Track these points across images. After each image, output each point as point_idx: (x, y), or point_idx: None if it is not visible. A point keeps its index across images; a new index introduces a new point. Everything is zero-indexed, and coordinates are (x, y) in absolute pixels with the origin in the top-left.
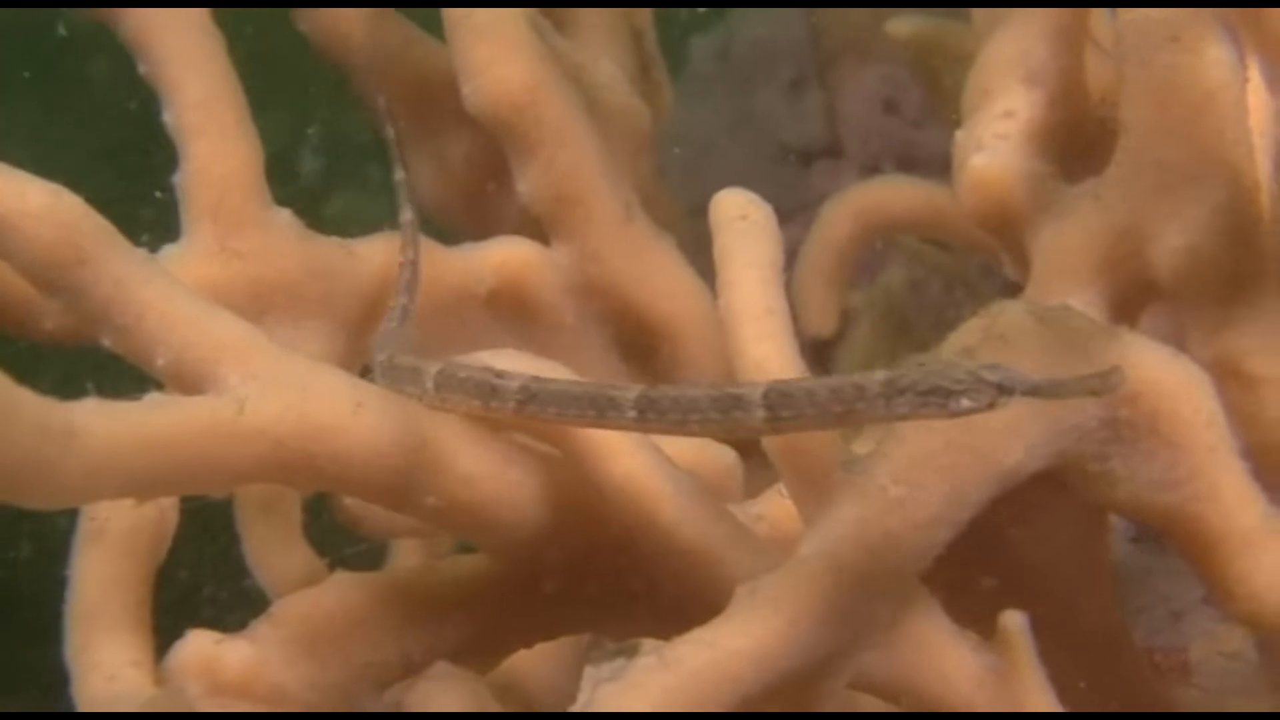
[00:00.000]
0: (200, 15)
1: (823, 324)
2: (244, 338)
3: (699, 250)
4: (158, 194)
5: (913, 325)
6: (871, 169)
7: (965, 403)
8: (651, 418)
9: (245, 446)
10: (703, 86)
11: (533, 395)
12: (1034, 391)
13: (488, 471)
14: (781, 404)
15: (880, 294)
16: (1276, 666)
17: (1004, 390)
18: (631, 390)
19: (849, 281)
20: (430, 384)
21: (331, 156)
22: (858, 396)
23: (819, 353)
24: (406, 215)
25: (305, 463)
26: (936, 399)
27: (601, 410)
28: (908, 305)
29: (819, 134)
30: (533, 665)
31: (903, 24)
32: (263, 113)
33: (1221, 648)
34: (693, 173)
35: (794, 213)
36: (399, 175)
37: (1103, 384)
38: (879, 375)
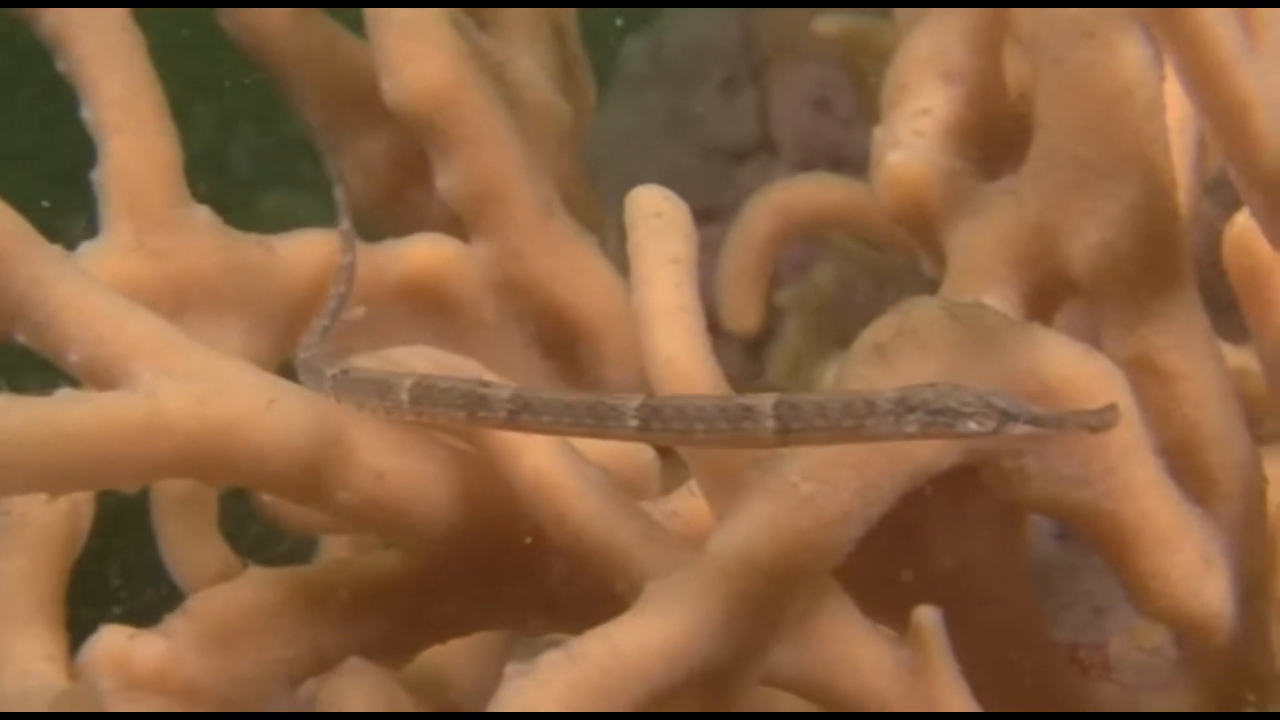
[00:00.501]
0: (119, 14)
1: (745, 321)
2: (158, 334)
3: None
4: (44, 203)
5: (843, 323)
6: (804, 168)
7: (972, 425)
8: (655, 427)
9: (156, 441)
10: (636, 86)
11: (526, 405)
12: (1035, 422)
13: (400, 467)
14: (792, 416)
15: (810, 292)
16: (1193, 662)
17: (1009, 417)
18: (634, 399)
19: (781, 279)
20: (405, 396)
21: (264, 154)
22: (868, 412)
23: (750, 350)
24: (344, 224)
25: (217, 458)
26: (945, 419)
27: (601, 419)
28: (838, 303)
29: (751, 133)
30: (452, 660)
31: (830, 22)
32: (195, 110)
33: (1141, 643)
34: (625, 172)
35: (726, 211)
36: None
37: (1099, 420)
38: (890, 393)
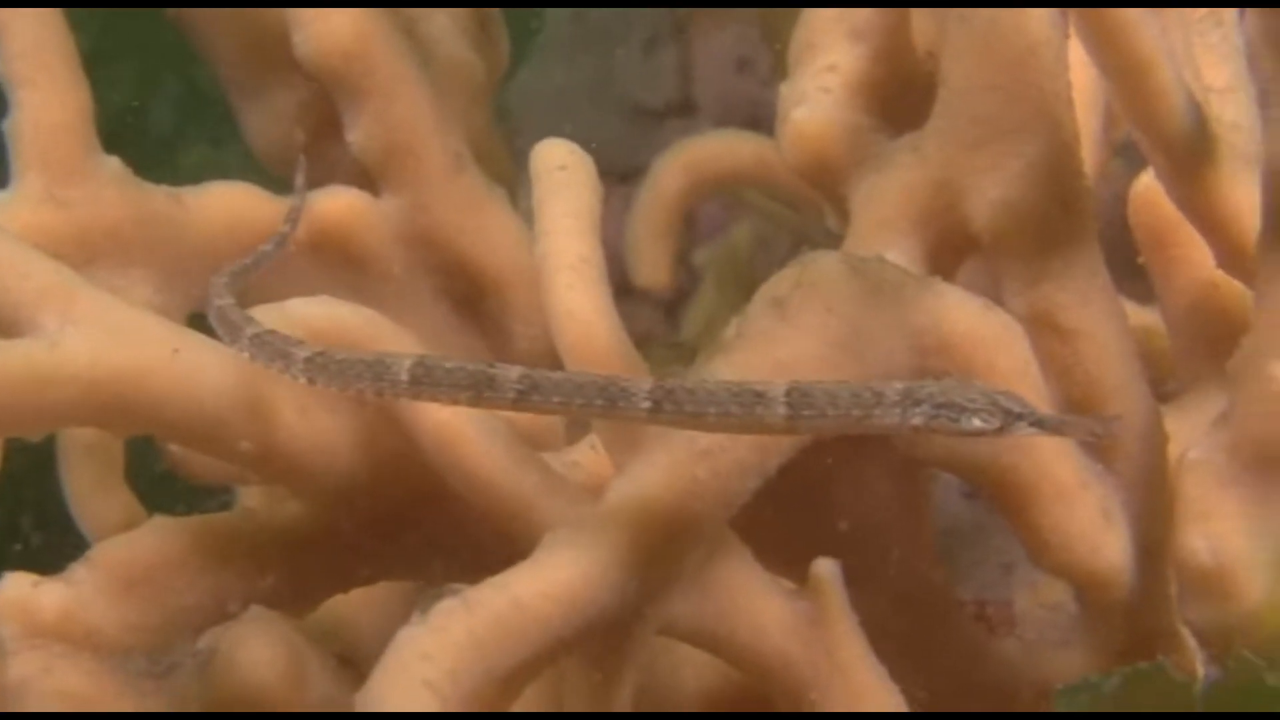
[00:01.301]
0: None
1: (654, 278)
2: (63, 283)
3: None
4: None
5: (760, 282)
6: (724, 126)
7: (976, 422)
8: (668, 409)
9: (60, 389)
10: (560, 45)
11: (535, 385)
12: (1039, 424)
13: (303, 418)
14: (803, 403)
15: (727, 251)
16: (1093, 618)
17: (1014, 417)
18: (645, 381)
19: (699, 238)
20: (405, 376)
21: (187, 109)
22: (876, 402)
23: (668, 308)
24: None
25: (119, 406)
26: (950, 414)
27: (613, 401)
28: (755, 262)
29: (673, 93)
30: (356, 609)
31: None
32: (118, 65)
33: (1043, 599)
34: (548, 131)
35: (648, 170)
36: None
37: (1103, 428)
38: (898, 384)
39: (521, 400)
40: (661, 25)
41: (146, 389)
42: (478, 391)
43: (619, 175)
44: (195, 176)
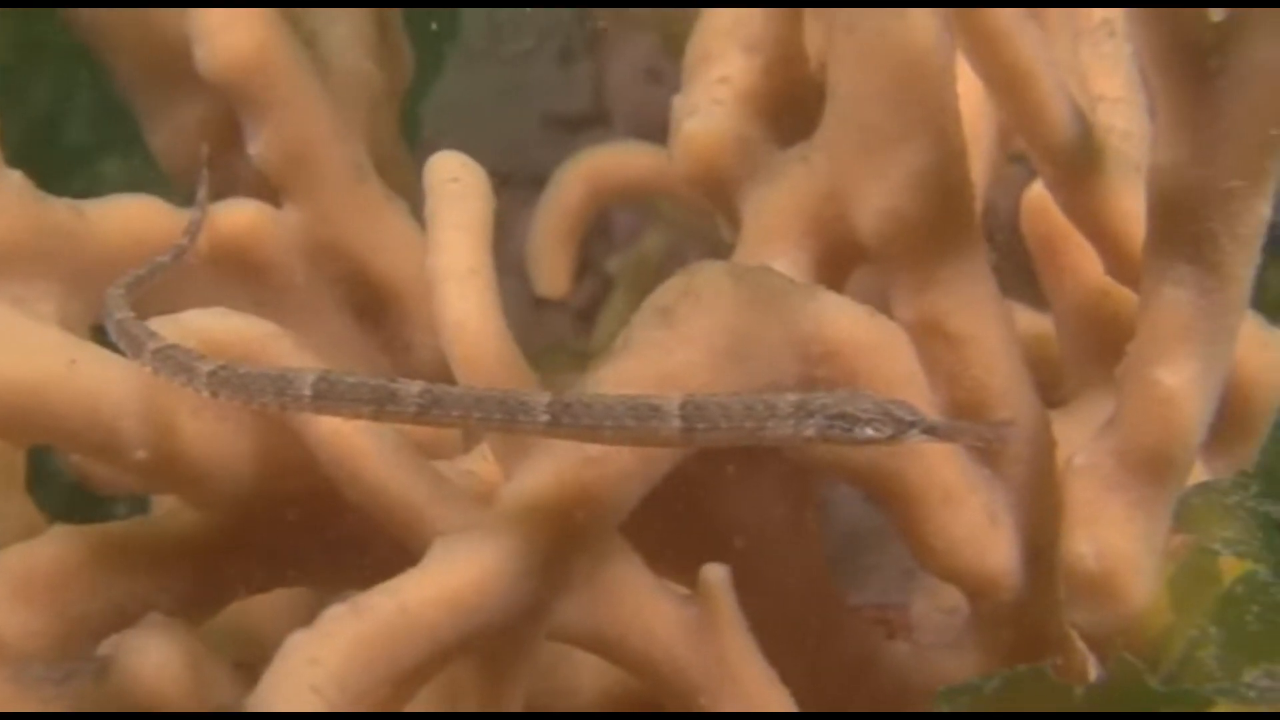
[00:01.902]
0: None
1: (554, 287)
2: None
3: None
4: None
5: None
6: (637, 137)
7: (869, 432)
8: (565, 422)
9: None
10: (476, 57)
11: (436, 400)
12: (931, 431)
13: (199, 427)
14: (697, 416)
15: (637, 260)
16: (983, 622)
17: (905, 425)
18: (544, 395)
19: (613, 247)
20: (309, 392)
21: (103, 120)
22: (769, 414)
23: (581, 317)
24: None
25: (17, 417)
26: (843, 424)
27: (512, 414)
28: (665, 271)
29: (586, 103)
30: (256, 616)
31: None
32: (33, 77)
33: (940, 603)
34: (462, 141)
35: None
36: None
37: (994, 433)
38: (792, 397)
39: (423, 414)
40: (575, 36)
41: (43, 400)
42: (380, 406)
43: (535, 184)
44: (112, 188)
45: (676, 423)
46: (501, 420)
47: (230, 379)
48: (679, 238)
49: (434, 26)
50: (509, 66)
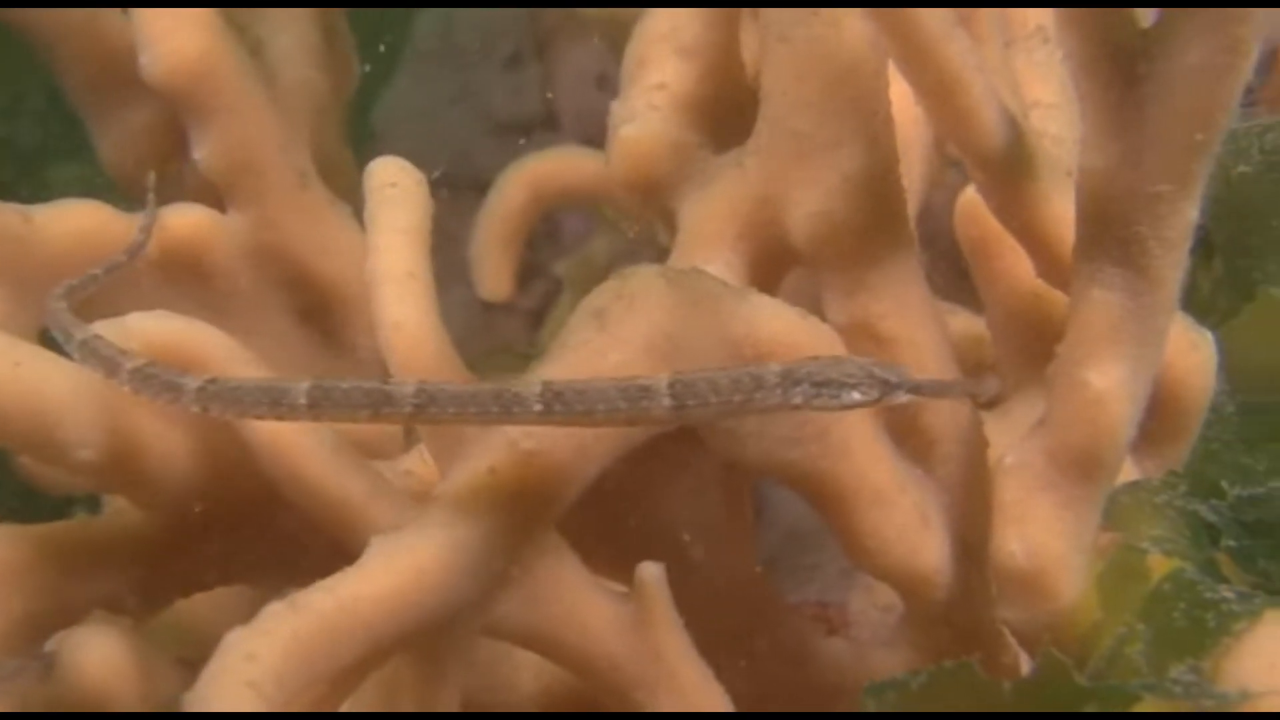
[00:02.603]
0: None
1: (495, 289)
2: None
3: None
4: None
5: None
6: (584, 142)
7: (855, 395)
8: (558, 410)
9: None
10: (427, 62)
11: (431, 398)
12: (917, 390)
13: (141, 426)
14: (686, 393)
15: (584, 263)
16: (914, 617)
17: (891, 386)
18: (535, 385)
19: (563, 251)
20: (303, 400)
21: (54, 125)
22: (756, 386)
23: (533, 319)
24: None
25: None
26: (829, 391)
27: (506, 408)
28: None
29: (535, 108)
30: (203, 610)
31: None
32: None
33: (876, 601)
34: (413, 145)
35: None
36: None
37: (978, 387)
38: (777, 366)
39: (419, 413)
40: (524, 42)
41: None
42: (376, 409)
43: (484, 188)
44: (62, 193)
45: (667, 401)
46: (497, 413)
47: (221, 393)
48: (624, 241)
49: (384, 38)
50: (459, 72)
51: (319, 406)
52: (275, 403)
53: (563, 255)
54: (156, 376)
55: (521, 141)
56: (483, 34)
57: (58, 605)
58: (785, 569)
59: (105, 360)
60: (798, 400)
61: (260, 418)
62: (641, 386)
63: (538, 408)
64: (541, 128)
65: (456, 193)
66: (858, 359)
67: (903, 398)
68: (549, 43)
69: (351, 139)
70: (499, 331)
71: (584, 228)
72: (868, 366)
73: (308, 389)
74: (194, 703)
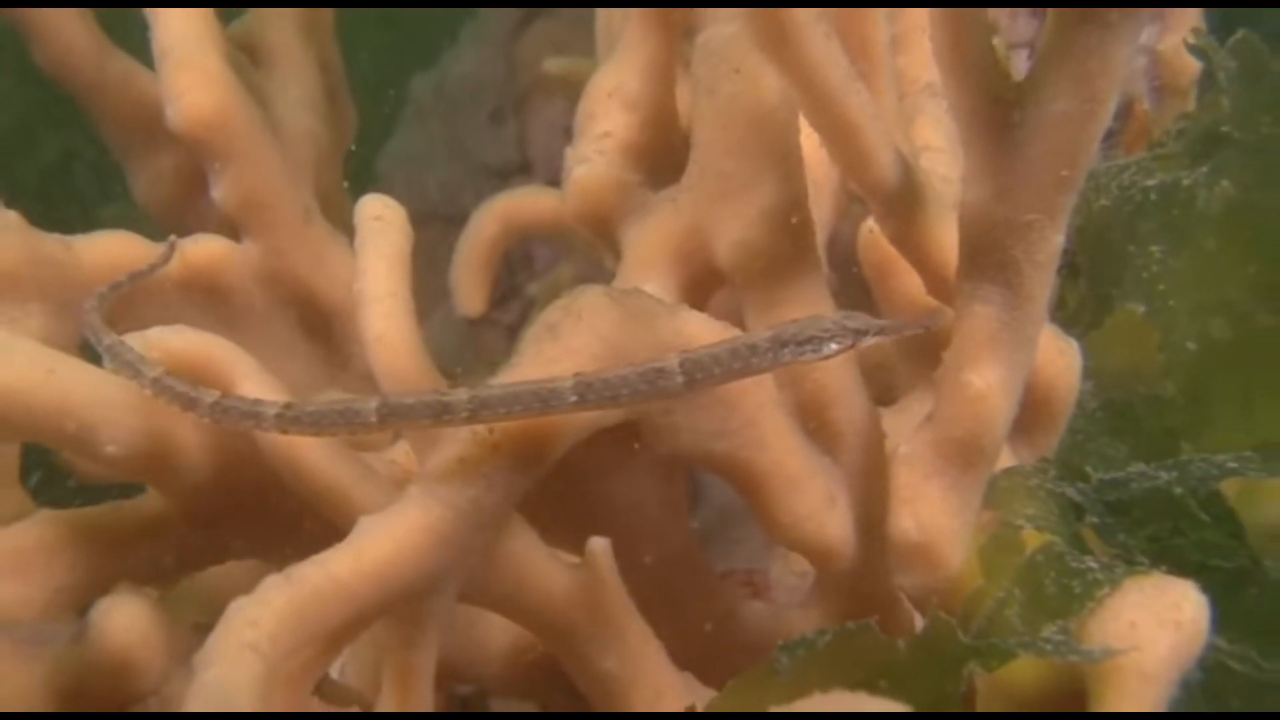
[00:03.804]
0: None
1: (471, 306)
2: None
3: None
4: None
5: None
6: (555, 183)
7: (834, 346)
8: (590, 398)
9: None
10: (422, 114)
11: (483, 403)
12: (882, 331)
13: (162, 425)
14: (695, 369)
15: (553, 286)
16: (825, 585)
17: (860, 334)
18: (568, 379)
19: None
20: (374, 417)
21: (105, 172)
22: (751, 353)
23: (512, 333)
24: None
25: (2, 417)
26: (811, 346)
27: (546, 402)
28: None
29: (513, 155)
30: (217, 581)
31: (555, 63)
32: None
33: (793, 568)
34: (412, 186)
35: None
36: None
37: (930, 319)
38: (766, 333)
39: (473, 417)
40: (504, 99)
41: (24, 402)
42: (437, 417)
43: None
44: (111, 227)
45: (680, 378)
46: (539, 408)
47: (299, 416)
48: (588, 267)
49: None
50: (449, 125)
51: (389, 418)
52: (349, 421)
53: (536, 278)
54: (236, 407)
55: (498, 184)
56: (470, 92)
57: (90, 579)
58: (716, 542)
59: (183, 396)
60: (787, 358)
61: (336, 436)
62: (657, 369)
63: (573, 399)
64: (518, 172)
65: (446, 226)
66: (831, 315)
67: (871, 340)
68: (525, 100)
69: (359, 180)
70: (482, 344)
71: (554, 255)
72: (840, 320)
73: (377, 407)
74: (202, 661)
